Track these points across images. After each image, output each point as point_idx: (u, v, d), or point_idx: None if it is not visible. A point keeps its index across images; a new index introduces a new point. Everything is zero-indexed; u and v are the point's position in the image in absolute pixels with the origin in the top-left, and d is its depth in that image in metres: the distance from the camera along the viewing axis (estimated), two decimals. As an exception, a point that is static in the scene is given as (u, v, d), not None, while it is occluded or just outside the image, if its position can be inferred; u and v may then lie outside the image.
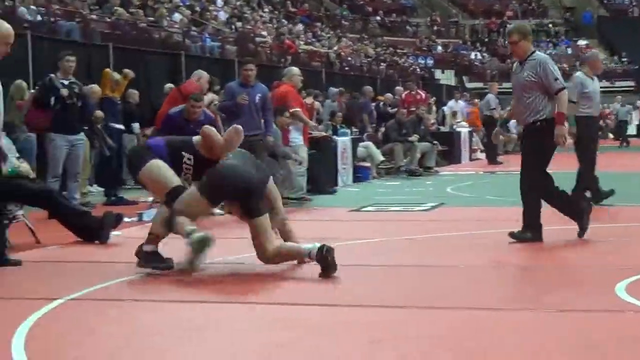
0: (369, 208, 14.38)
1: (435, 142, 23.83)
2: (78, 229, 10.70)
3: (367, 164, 20.83)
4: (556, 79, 10.11)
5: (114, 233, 10.94)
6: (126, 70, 17.04)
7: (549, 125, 10.04)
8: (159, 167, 8.66)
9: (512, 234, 10.07)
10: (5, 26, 9.25)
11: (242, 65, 14.88)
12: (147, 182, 8.85)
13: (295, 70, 16.34)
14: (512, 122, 33.34)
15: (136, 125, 17.60)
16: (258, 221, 8.41)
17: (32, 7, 20.47)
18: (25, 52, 17.99)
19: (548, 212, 10.32)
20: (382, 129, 23.56)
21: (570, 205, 10.42)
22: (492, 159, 26.37)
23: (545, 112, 10.09)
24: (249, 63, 14.83)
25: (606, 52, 58.38)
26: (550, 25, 61.74)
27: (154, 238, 8.63)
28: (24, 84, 14.97)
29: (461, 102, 31.30)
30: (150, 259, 8.56)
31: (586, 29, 60.95)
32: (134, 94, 17.80)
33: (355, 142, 20.49)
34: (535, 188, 10.19)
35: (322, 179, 16.92)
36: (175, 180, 8.68)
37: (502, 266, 8.88)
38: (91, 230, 10.68)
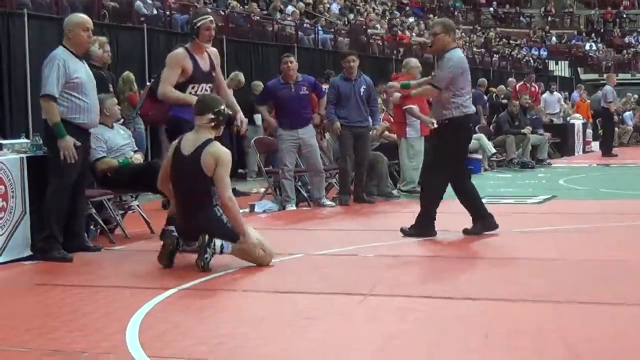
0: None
1: (546, 133, 23.62)
2: None
3: (479, 156, 20.62)
4: (441, 78, 10.04)
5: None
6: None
7: (451, 125, 10.02)
8: None
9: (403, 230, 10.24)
10: (80, 14, 9.92)
11: (343, 58, 14.74)
12: None
13: (414, 62, 16.19)
14: (628, 114, 33.13)
15: (258, 117, 17.23)
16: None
17: (149, 1, 20.71)
18: (142, 45, 18.25)
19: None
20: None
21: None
22: (606, 151, 25.99)
23: (449, 112, 10.01)
24: (350, 55, 14.72)
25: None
26: (669, 15, 60.47)
27: None
28: (132, 76, 15.11)
29: (556, 94, 30.42)
30: None
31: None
32: (258, 86, 17.87)
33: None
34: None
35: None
36: None
37: (618, 261, 8.68)
38: None
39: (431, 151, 10.54)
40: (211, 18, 9.92)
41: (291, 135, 13.48)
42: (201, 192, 8.32)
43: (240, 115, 10.31)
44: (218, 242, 8.24)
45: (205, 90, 9.67)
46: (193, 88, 9.57)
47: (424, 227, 10.14)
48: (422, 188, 10.59)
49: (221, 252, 8.29)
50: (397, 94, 10.41)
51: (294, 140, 13.50)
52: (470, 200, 10.35)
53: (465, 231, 10.21)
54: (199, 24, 9.75)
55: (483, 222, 10.26)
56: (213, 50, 10.02)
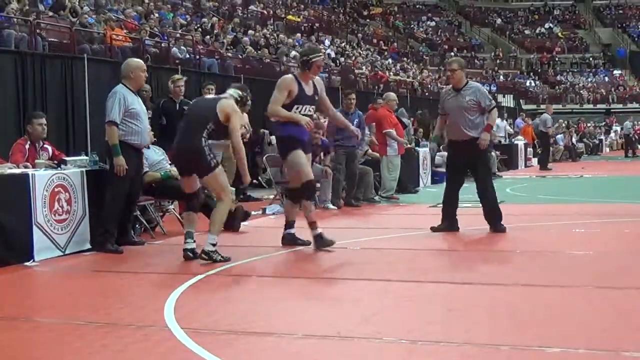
0: (444, 204, 14.25)
1: (497, 152, 23.63)
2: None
3: (443, 169, 20.56)
4: (490, 100, 10.23)
5: (243, 224, 11.01)
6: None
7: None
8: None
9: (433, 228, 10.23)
10: (138, 59, 9.81)
11: (346, 95, 14.71)
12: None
13: (393, 95, 16.30)
14: (559, 137, 33.15)
15: (273, 138, 17.72)
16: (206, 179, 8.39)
17: (182, 47, 20.72)
18: (177, 83, 18.22)
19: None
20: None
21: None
22: (543, 166, 26.00)
23: (480, 128, 10.12)
24: (351, 93, 14.70)
25: (636, 80, 57.31)
26: (591, 59, 60.66)
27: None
28: None
29: (505, 121, 30.41)
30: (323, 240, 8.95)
31: (620, 62, 59.71)
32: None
33: (433, 152, 20.39)
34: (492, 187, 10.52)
35: (407, 181, 16.83)
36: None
37: (552, 251, 8.66)
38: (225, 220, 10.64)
39: (485, 163, 10.57)
40: (323, 56, 9.18)
41: None
42: (202, 124, 8.23)
43: None
44: (208, 250, 8.12)
45: (309, 111, 9.08)
46: (297, 108, 8.92)
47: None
48: (490, 193, 10.42)
49: (214, 245, 8.17)
50: (486, 137, 10.01)
51: None
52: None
53: (433, 229, 10.21)
54: (313, 60, 8.98)
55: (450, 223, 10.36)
56: (318, 79, 9.26)
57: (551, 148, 29.34)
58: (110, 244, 9.06)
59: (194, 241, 8.41)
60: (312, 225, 8.95)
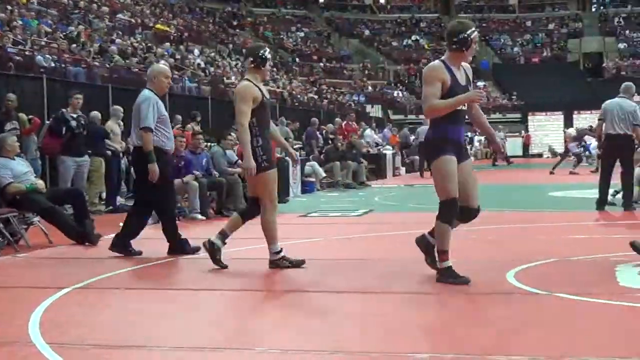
0: (314, 214, 14.38)
1: (363, 161, 23.97)
2: (74, 234, 10.43)
3: (312, 179, 20.86)
4: None
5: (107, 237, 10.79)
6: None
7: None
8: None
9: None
10: (161, 65, 9.67)
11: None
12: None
13: None
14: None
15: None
16: None
17: (47, 55, 20.25)
18: (42, 92, 17.77)
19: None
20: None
21: None
22: (422, 174, 27.12)
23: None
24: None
25: (499, 91, 59.28)
26: (455, 70, 62.23)
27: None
28: (25, 117, 14.87)
29: (372, 132, 31.40)
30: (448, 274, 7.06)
31: (484, 73, 61.46)
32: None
33: (303, 162, 20.55)
34: None
35: (277, 191, 16.86)
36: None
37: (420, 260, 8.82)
38: (83, 235, 10.43)
39: None
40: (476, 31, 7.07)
41: None
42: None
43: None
44: (273, 259, 8.19)
45: (464, 106, 7.00)
46: None
47: None
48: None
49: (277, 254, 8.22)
50: None
51: None
52: None
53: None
54: (472, 36, 6.88)
55: None
56: (467, 65, 7.19)
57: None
58: (130, 247, 9.18)
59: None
60: (442, 256, 7.16)
